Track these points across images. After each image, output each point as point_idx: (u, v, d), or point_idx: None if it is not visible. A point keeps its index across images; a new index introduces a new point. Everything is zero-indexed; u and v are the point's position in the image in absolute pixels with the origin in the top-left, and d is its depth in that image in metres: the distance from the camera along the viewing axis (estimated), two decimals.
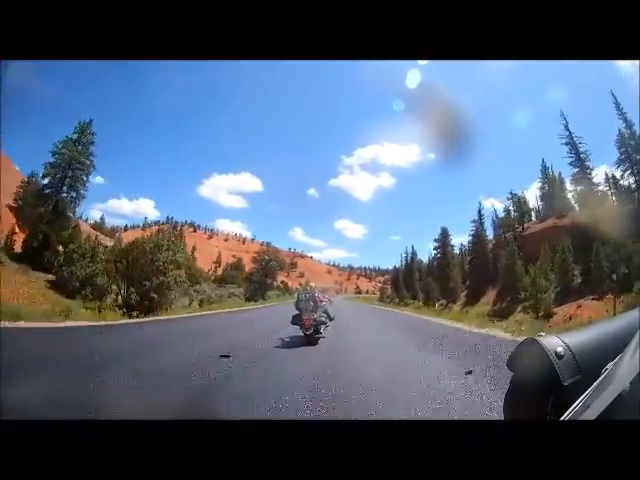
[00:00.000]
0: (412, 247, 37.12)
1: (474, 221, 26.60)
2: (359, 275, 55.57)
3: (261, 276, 31.73)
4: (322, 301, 9.05)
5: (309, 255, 52.71)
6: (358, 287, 53.51)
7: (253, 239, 49.25)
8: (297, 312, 8.62)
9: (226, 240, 48.32)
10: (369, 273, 55.42)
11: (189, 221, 46.35)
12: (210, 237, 47.65)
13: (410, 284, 33.49)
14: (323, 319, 8.77)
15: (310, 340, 8.31)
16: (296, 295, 9.72)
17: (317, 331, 8.55)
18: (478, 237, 26.82)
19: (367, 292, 51.52)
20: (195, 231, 46.32)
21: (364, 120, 52.53)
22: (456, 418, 3.58)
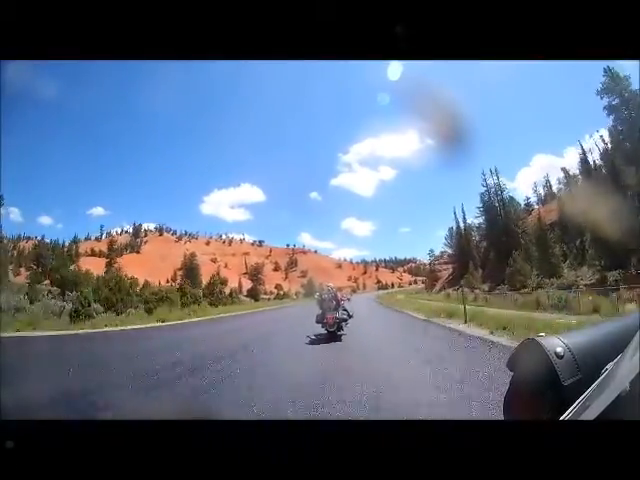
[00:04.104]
0: (496, 171, 19.20)
1: None
2: (378, 266, 44.31)
3: None
4: (342, 299, 9.97)
5: (313, 250, 43.48)
6: (379, 281, 42.67)
7: (242, 240, 42.31)
8: (320, 311, 9.45)
9: (207, 244, 41.44)
10: (388, 264, 44.95)
11: (159, 226, 39.97)
12: (179, 240, 40.37)
13: (507, 251, 16.24)
14: (345, 317, 9.59)
15: (333, 337, 8.98)
16: (318, 295, 10.41)
17: (340, 328, 9.32)
18: None
19: (392, 286, 41.10)
20: (161, 235, 39.84)
21: (355, 115, 52.02)
22: (456, 418, 3.58)
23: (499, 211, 19.72)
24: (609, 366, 0.49)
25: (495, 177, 19.48)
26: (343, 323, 9.54)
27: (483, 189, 20.43)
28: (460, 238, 22.10)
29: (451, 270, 24.47)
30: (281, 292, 35.36)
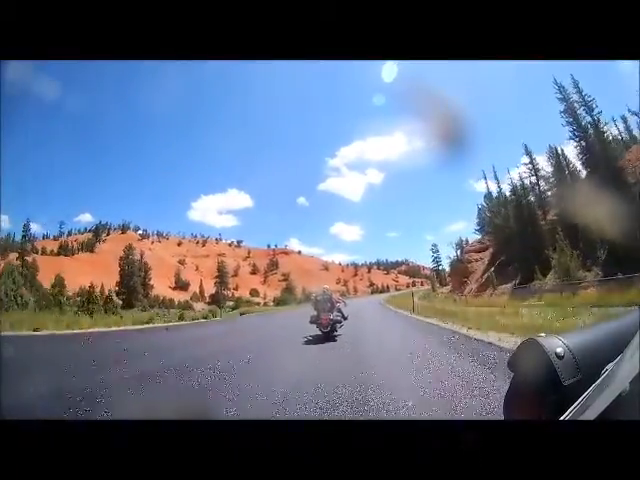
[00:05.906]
0: (576, 84, 13.72)
1: None
2: (370, 268, 38.84)
3: None
4: (337, 302, 10.22)
5: (296, 250, 39.81)
6: (373, 283, 37.77)
7: (217, 240, 38.67)
8: (315, 312, 9.68)
9: (179, 244, 37.64)
10: (380, 267, 39.91)
11: (125, 223, 35.75)
12: (143, 238, 35.74)
13: None
14: (339, 318, 9.83)
15: (328, 338, 9.24)
16: (313, 296, 10.63)
17: (334, 329, 9.58)
18: None
19: (387, 288, 37.02)
20: (124, 233, 35.72)
21: (343, 118, 51.93)
22: (456, 418, 3.58)
23: (591, 146, 11.41)
24: (609, 366, 0.49)
25: (577, 92, 11.60)
26: (337, 325, 9.81)
27: (562, 105, 12.45)
28: (519, 206, 12.11)
29: (488, 259, 15.69)
30: (246, 299, 29.68)
